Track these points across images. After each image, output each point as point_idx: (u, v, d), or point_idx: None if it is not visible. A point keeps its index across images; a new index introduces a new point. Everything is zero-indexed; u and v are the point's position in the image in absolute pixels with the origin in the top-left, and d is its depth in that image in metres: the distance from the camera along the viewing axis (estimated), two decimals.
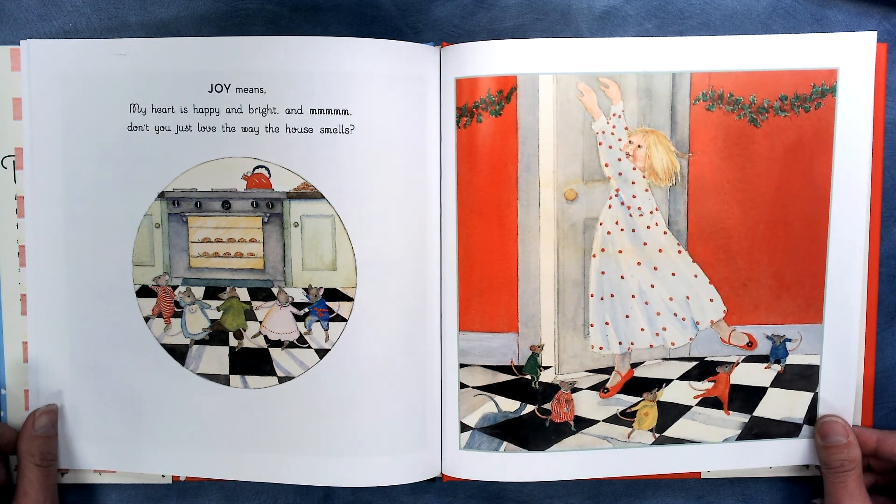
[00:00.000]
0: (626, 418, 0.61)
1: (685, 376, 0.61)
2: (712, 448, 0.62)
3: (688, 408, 0.62)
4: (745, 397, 0.62)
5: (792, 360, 0.61)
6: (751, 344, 0.61)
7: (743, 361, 0.61)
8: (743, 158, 0.59)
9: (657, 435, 0.61)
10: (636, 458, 0.61)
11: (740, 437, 0.62)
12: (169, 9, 0.61)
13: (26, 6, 0.61)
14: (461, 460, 0.61)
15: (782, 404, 0.62)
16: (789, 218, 0.60)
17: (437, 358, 0.60)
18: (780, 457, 0.62)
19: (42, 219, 0.59)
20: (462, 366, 0.60)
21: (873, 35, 0.59)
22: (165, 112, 0.58)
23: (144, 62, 0.57)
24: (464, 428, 0.61)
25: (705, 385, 0.62)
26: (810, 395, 0.62)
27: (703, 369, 0.61)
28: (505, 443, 0.60)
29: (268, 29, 0.61)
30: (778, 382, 0.62)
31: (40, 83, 0.58)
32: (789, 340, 0.61)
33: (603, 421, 0.61)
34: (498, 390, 0.60)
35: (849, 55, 0.58)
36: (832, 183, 0.60)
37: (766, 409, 0.62)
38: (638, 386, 0.61)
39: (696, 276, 0.60)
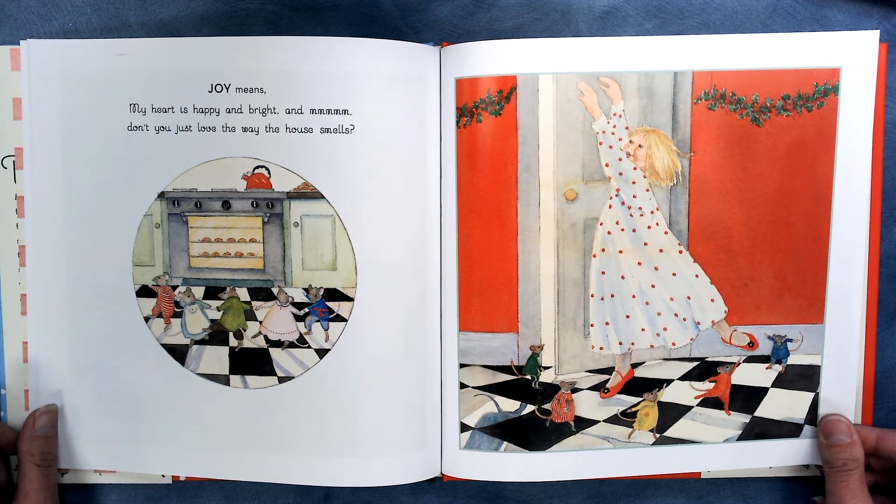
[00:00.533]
0: (626, 418, 0.61)
1: (686, 376, 0.61)
2: (713, 448, 0.62)
3: (688, 408, 0.62)
4: (746, 397, 0.61)
5: (793, 360, 0.61)
6: (752, 344, 0.61)
7: (744, 362, 0.61)
8: (745, 158, 0.59)
9: (657, 435, 0.61)
10: (636, 458, 0.61)
11: (741, 438, 0.61)
12: (169, 9, 0.61)
13: (26, 6, 0.61)
14: (461, 460, 0.61)
15: (783, 404, 0.61)
16: (791, 218, 0.60)
17: (437, 358, 0.60)
18: (781, 457, 0.62)
19: (42, 219, 0.59)
20: (462, 366, 0.60)
21: (876, 34, 0.58)
22: (165, 112, 0.58)
23: (144, 62, 0.57)
24: (464, 428, 0.61)
25: (706, 385, 0.61)
26: (811, 395, 0.61)
27: (704, 369, 0.61)
28: (505, 443, 0.60)
29: (268, 29, 0.60)
30: (779, 383, 0.61)
31: (40, 83, 0.58)
32: (790, 341, 0.61)
33: (603, 421, 0.61)
34: (498, 390, 0.60)
35: (851, 54, 0.58)
36: (834, 182, 0.59)
37: (766, 409, 0.61)
38: (638, 386, 0.61)
39: (697, 276, 0.60)
